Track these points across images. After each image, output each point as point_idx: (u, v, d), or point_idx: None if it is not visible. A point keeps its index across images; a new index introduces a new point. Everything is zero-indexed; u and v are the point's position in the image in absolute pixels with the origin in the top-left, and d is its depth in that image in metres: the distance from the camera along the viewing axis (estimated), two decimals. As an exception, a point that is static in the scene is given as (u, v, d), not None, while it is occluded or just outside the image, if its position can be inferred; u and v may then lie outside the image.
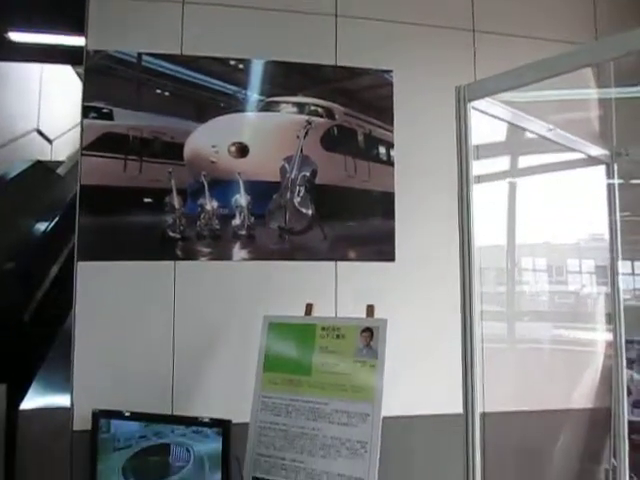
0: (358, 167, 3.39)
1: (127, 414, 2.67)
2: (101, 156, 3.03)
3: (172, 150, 3.12)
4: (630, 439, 2.21)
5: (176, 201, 3.13)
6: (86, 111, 3.05)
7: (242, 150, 3.24)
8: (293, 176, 3.30)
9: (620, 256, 2.35)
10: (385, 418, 2.47)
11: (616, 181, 2.28)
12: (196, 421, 2.63)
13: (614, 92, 2.59)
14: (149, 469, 2.61)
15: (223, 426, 2.52)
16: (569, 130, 1.97)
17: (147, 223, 3.08)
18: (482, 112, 1.49)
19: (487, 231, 3.44)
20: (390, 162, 3.43)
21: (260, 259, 3.20)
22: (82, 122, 3.03)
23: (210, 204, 3.17)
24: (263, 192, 3.25)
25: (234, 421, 2.58)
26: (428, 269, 3.35)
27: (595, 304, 3.75)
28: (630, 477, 2.26)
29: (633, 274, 3.93)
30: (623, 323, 2.35)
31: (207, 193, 3.17)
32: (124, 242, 3.05)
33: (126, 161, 3.06)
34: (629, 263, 3.85)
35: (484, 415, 3.51)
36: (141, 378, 2.94)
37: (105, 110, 3.06)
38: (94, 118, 3.05)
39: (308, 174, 3.32)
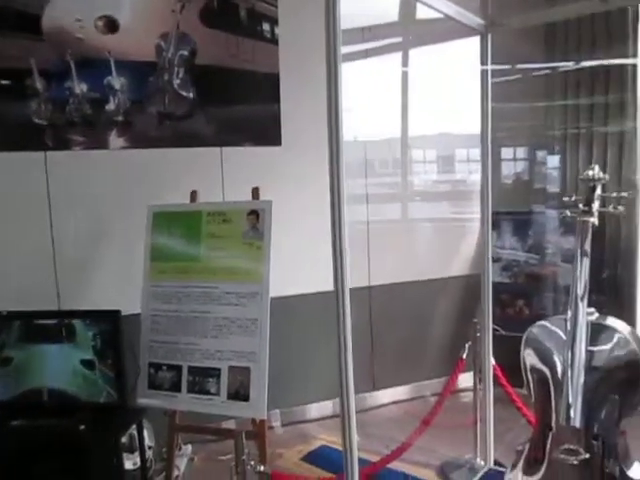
0: (241, 46, 3.19)
1: (6, 313, 2.56)
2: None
3: (27, 22, 2.75)
4: (500, 299, 2.49)
5: (39, 83, 2.82)
6: None
7: (111, 25, 2.93)
8: (170, 55, 3.06)
9: (489, 144, 2.47)
10: (272, 298, 2.55)
11: (489, 56, 2.33)
12: (82, 314, 2.57)
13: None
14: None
15: (111, 316, 2.49)
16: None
17: (7, 109, 2.78)
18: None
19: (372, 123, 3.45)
20: (274, 40, 3.26)
21: (140, 147, 3.04)
22: None
23: (79, 87, 2.90)
24: (138, 74, 3.00)
25: (125, 312, 2.55)
26: (314, 153, 3.32)
27: (476, 187, 3.96)
28: (494, 329, 2.58)
29: (514, 159, 4.17)
30: (490, 199, 2.53)
31: (75, 74, 2.88)
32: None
33: (-30, 35, 2.68)
34: (511, 150, 4.07)
35: (370, 288, 3.83)
36: (21, 276, 2.80)
37: None
38: None
39: (187, 53, 3.09)
